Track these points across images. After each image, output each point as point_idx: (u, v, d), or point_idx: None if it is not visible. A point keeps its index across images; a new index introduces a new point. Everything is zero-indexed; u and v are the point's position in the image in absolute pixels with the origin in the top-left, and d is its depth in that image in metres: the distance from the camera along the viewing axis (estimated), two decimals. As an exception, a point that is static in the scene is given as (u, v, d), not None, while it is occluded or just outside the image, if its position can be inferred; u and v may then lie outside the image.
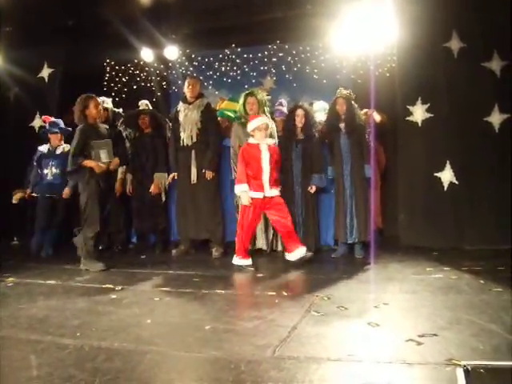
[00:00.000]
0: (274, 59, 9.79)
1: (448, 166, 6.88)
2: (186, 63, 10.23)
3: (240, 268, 5.94)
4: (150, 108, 7.92)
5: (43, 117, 7.98)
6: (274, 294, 4.60)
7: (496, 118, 6.82)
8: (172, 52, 9.59)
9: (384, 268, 5.82)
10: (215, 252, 6.83)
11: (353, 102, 6.74)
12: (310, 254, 6.14)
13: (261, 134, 6.04)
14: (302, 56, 9.58)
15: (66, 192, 7.33)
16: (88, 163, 6.10)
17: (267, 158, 5.97)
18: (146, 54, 9.69)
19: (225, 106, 7.46)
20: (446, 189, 6.90)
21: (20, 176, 8.22)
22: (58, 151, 7.48)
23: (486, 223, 6.69)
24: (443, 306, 4.01)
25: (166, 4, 8.62)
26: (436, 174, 6.93)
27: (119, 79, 10.27)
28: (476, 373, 2.62)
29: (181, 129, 6.93)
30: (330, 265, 6.04)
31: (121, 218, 7.65)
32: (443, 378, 2.61)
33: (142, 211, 7.43)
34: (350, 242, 6.47)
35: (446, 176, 6.88)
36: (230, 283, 5.29)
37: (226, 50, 10.02)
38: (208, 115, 6.95)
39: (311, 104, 7.71)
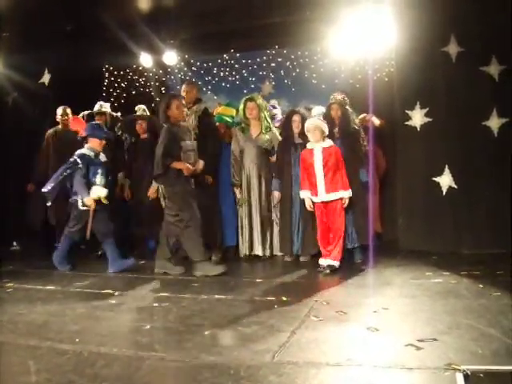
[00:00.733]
0: (273, 64, 9.80)
1: (447, 170, 6.88)
2: (185, 68, 10.24)
3: (318, 269, 5.96)
4: (147, 113, 7.93)
5: (72, 117, 7.92)
6: (273, 299, 4.59)
7: (495, 122, 6.82)
8: (171, 57, 9.61)
9: (383, 272, 5.82)
10: (214, 257, 6.82)
11: (347, 107, 6.75)
12: (328, 271, 6.03)
13: (311, 136, 6.02)
14: (301, 61, 9.59)
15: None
16: (177, 165, 6.00)
17: (320, 161, 5.92)
18: (145, 59, 9.71)
19: (222, 111, 7.46)
20: (444, 193, 6.90)
21: (17, 180, 8.24)
22: (103, 158, 6.67)
23: (485, 227, 6.69)
24: (442, 310, 4.01)
25: (165, 9, 8.64)
26: (435, 179, 6.93)
27: (118, 84, 10.29)
28: (475, 377, 2.62)
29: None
30: (320, 268, 6.02)
31: (120, 223, 7.64)
32: (442, 382, 2.61)
33: (140, 216, 7.42)
34: (349, 247, 6.45)
35: (445, 180, 6.89)
36: (228, 288, 5.27)
37: (225, 55, 10.04)
38: (205, 120, 6.96)
39: (310, 109, 7.71)
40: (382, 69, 8.48)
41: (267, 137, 6.83)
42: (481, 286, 4.81)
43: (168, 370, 2.99)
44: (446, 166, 6.88)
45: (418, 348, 3.09)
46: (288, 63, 9.70)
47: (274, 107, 7.70)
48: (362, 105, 7.27)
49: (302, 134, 6.70)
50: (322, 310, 4.18)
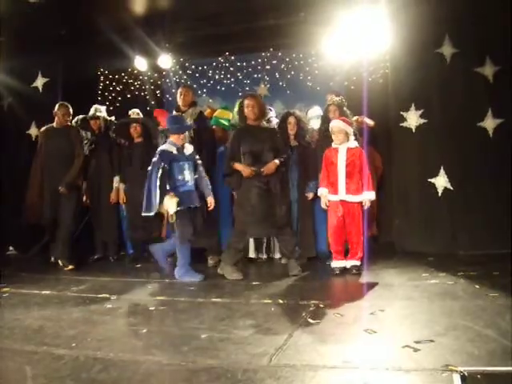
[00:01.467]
0: (268, 67, 9.80)
1: (442, 171, 6.88)
2: (180, 71, 10.23)
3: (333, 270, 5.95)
4: (141, 116, 7.93)
5: (155, 111, 7.87)
6: (270, 301, 4.59)
7: (490, 123, 6.83)
8: (166, 60, 9.61)
9: (379, 274, 5.81)
10: (210, 260, 6.82)
11: (345, 109, 6.76)
12: (354, 271, 5.93)
13: (335, 138, 6.01)
14: (296, 63, 9.59)
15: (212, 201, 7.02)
16: (237, 166, 6.01)
17: (343, 160, 5.91)
18: (140, 63, 9.70)
19: (219, 115, 7.46)
20: (440, 194, 6.91)
21: (13, 183, 8.24)
22: (187, 152, 6.16)
23: (481, 228, 6.70)
24: (439, 311, 4.02)
25: (160, 13, 8.64)
26: (430, 180, 6.93)
27: (113, 88, 10.27)
28: (473, 378, 2.62)
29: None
30: (326, 272, 6.03)
31: (115, 226, 7.64)
32: (440, 384, 2.62)
33: (136, 220, 7.41)
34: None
35: (441, 181, 6.89)
36: (225, 291, 5.27)
37: (220, 58, 10.02)
38: (201, 123, 6.95)
39: (306, 112, 7.72)
40: (377, 70, 8.49)
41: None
42: (477, 286, 4.81)
43: (165, 373, 2.98)
44: (442, 168, 6.89)
45: (415, 350, 3.09)
46: (283, 66, 9.70)
47: (270, 109, 7.70)
48: (357, 107, 7.27)
49: (298, 136, 6.71)
50: (319, 312, 4.18)
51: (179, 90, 7.10)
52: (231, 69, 10.01)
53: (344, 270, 5.93)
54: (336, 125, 6.00)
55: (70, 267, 6.78)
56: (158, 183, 5.87)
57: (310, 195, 6.60)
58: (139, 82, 10.33)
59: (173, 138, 6.07)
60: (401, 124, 7.15)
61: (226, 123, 7.35)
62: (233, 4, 8.33)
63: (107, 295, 5.11)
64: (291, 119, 6.77)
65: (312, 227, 6.81)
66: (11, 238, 8.51)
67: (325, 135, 6.47)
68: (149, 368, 3.01)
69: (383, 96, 7.63)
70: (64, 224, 7.03)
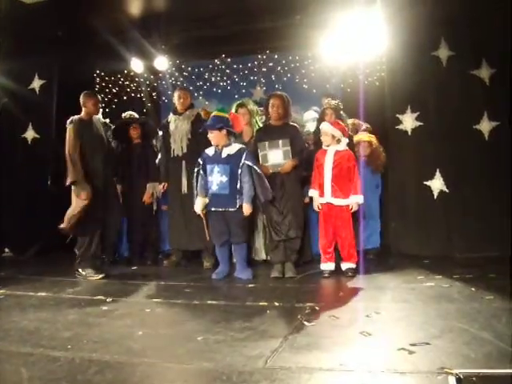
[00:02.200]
0: (264, 69, 9.80)
1: (438, 174, 6.89)
2: (176, 73, 10.23)
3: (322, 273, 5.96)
4: (141, 117, 7.93)
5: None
6: (266, 304, 4.59)
7: (485, 126, 6.83)
8: (162, 62, 9.60)
9: (375, 277, 5.82)
10: (206, 263, 6.80)
11: (341, 112, 6.78)
12: (350, 274, 5.94)
13: (322, 139, 6.05)
14: (292, 66, 9.60)
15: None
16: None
17: (330, 163, 5.93)
18: (136, 65, 9.68)
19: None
20: (436, 197, 6.92)
21: (9, 185, 8.24)
22: (224, 154, 6.06)
23: (477, 231, 6.70)
24: (435, 314, 4.02)
25: (156, 15, 8.64)
26: (426, 183, 6.94)
27: (109, 90, 10.25)
28: (468, 381, 2.63)
29: (171, 139, 6.91)
30: (321, 274, 6.02)
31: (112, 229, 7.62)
32: (435, 386, 2.62)
33: (132, 222, 7.40)
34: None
35: (436, 184, 6.90)
36: (221, 294, 5.27)
37: (216, 60, 10.02)
38: (198, 126, 6.94)
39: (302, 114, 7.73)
40: (373, 73, 8.50)
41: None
42: (473, 289, 4.82)
43: (161, 376, 2.98)
44: (437, 170, 6.89)
45: (411, 352, 3.09)
46: (279, 68, 9.70)
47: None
48: (353, 109, 7.29)
49: None
50: (315, 314, 4.18)
51: (177, 93, 7.09)
52: (227, 71, 10.02)
53: (335, 272, 5.94)
54: (322, 127, 6.06)
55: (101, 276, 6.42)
56: (195, 184, 6.16)
57: (306, 199, 6.59)
58: (135, 84, 10.32)
59: (212, 136, 6.08)
60: (397, 127, 7.16)
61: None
62: (229, 6, 8.33)
63: (103, 297, 5.10)
64: None
65: (308, 230, 6.79)
66: (7, 240, 8.49)
67: (320, 138, 6.48)
68: (144, 370, 3.00)
69: (379, 98, 7.64)
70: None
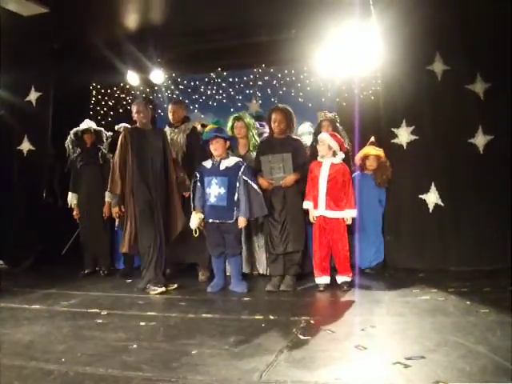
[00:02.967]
0: (260, 83, 9.85)
1: (433, 187, 6.90)
2: (172, 87, 10.27)
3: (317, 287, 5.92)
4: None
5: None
6: (261, 317, 4.58)
7: (480, 140, 6.85)
8: (158, 76, 9.63)
9: (370, 290, 5.81)
10: (201, 276, 6.78)
11: (338, 125, 6.80)
12: (345, 288, 5.89)
13: (320, 149, 6.03)
14: (287, 79, 9.65)
15: (241, 221, 6.34)
16: (259, 179, 6.08)
17: (325, 175, 5.91)
18: (132, 78, 9.71)
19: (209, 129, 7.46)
20: (431, 210, 6.92)
21: (4, 197, 8.23)
22: (222, 166, 6.05)
23: (472, 244, 6.70)
24: (430, 327, 4.02)
25: (152, 28, 8.66)
26: (421, 196, 6.94)
27: (105, 102, 10.28)
28: (463, 395, 2.62)
29: (167, 152, 6.91)
30: (317, 288, 6.01)
31: (106, 241, 7.60)
32: (431, 400, 2.61)
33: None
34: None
35: (431, 198, 6.90)
36: (216, 307, 5.26)
37: (212, 74, 10.07)
38: (193, 138, 6.95)
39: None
40: (368, 87, 8.54)
41: (255, 155, 6.79)
42: (468, 302, 4.82)
43: (155, 390, 2.97)
44: (433, 184, 6.90)
45: (406, 366, 3.09)
46: (275, 82, 9.75)
47: (262, 126, 7.69)
48: (349, 123, 7.30)
49: None
50: (310, 328, 4.18)
51: (169, 107, 7.13)
52: (223, 84, 10.06)
53: (330, 285, 5.93)
54: (320, 136, 6.06)
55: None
56: (191, 196, 6.16)
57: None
58: (131, 97, 10.34)
59: (212, 147, 6.08)
60: (392, 140, 7.17)
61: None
62: (225, 20, 8.35)
63: (97, 310, 5.09)
64: None
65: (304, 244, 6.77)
66: (1, 252, 8.46)
67: (316, 152, 6.49)
68: (139, 384, 2.99)
69: (375, 112, 7.66)
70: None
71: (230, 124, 6.86)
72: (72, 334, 4.26)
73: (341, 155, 6.02)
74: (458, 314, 4.44)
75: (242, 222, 5.94)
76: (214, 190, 5.96)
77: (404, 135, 7.09)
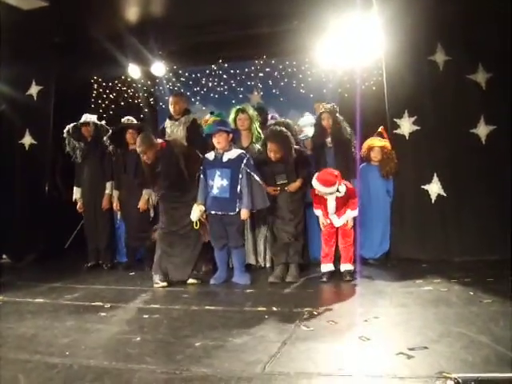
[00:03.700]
0: (261, 74, 9.81)
1: (435, 178, 6.88)
2: (173, 79, 10.25)
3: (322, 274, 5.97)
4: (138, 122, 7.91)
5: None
6: (264, 309, 4.58)
7: (482, 130, 6.83)
8: (159, 68, 9.62)
9: (373, 281, 5.81)
10: (204, 267, 6.79)
11: (338, 115, 6.78)
12: (348, 278, 5.91)
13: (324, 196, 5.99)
14: (289, 71, 9.61)
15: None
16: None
17: (333, 205, 5.89)
18: (133, 71, 9.71)
19: (212, 122, 7.43)
20: (433, 201, 6.91)
21: (6, 192, 8.24)
22: (225, 158, 6.04)
23: (475, 234, 6.69)
24: (433, 318, 4.02)
25: (153, 21, 8.64)
26: (423, 187, 6.93)
27: (107, 96, 10.26)
28: (466, 385, 2.62)
29: (168, 145, 6.90)
30: (320, 278, 6.01)
31: (109, 234, 7.61)
32: (434, 391, 2.62)
33: (129, 227, 7.39)
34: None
35: (434, 188, 6.89)
36: (219, 299, 5.27)
37: (213, 66, 10.04)
38: (194, 131, 6.95)
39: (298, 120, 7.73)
40: (370, 78, 8.51)
41: (258, 146, 6.77)
42: (471, 293, 4.82)
43: (159, 382, 2.97)
44: (435, 174, 6.89)
45: (409, 357, 3.09)
46: (276, 73, 9.72)
47: (274, 118, 7.66)
48: (351, 113, 7.28)
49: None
50: (313, 319, 4.18)
51: (170, 100, 7.13)
52: (224, 76, 10.03)
53: (333, 274, 5.95)
54: (321, 191, 5.83)
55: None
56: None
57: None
58: (132, 90, 10.33)
59: (215, 139, 6.07)
60: (394, 131, 7.16)
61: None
62: (226, 12, 8.33)
63: (101, 303, 5.10)
64: None
65: (305, 235, 6.78)
66: (5, 247, 8.47)
67: (319, 143, 6.49)
68: (143, 376, 3.00)
69: (376, 103, 7.64)
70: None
71: (232, 116, 6.84)
72: (76, 327, 4.27)
73: (343, 188, 5.92)
74: (460, 305, 4.43)
75: (244, 214, 5.93)
76: (217, 182, 5.96)
77: (406, 126, 7.07)
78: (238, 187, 5.94)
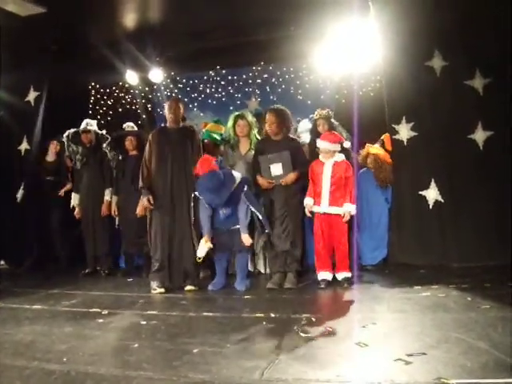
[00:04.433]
0: (259, 80, 9.84)
1: (433, 183, 6.90)
2: (171, 85, 10.26)
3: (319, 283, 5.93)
4: (137, 129, 7.93)
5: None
6: (262, 315, 4.57)
7: (480, 136, 6.85)
8: (157, 74, 9.65)
9: (371, 287, 5.82)
10: (202, 273, 6.79)
11: (333, 121, 6.80)
12: (345, 285, 5.91)
13: (322, 156, 6.05)
14: (287, 77, 9.64)
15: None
16: (258, 179, 6.16)
17: (328, 175, 5.93)
18: (131, 77, 9.73)
19: (211, 129, 7.43)
20: (431, 207, 6.92)
21: (5, 197, 8.24)
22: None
23: (473, 240, 6.70)
24: (431, 324, 4.01)
25: (151, 27, 8.66)
26: (421, 192, 6.94)
27: (104, 102, 10.28)
28: (465, 391, 2.62)
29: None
30: (317, 285, 6.00)
31: (107, 240, 7.61)
32: (432, 397, 2.61)
33: (128, 233, 7.38)
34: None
35: (432, 194, 6.90)
36: (217, 305, 5.26)
37: (211, 72, 10.06)
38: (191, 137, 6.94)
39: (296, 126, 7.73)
40: (368, 84, 8.53)
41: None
42: (469, 298, 4.81)
43: (157, 389, 2.97)
44: (433, 180, 6.90)
45: (407, 363, 3.08)
46: (274, 79, 9.74)
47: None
48: (348, 119, 7.29)
49: None
50: (311, 325, 4.17)
51: (166, 106, 7.10)
52: (222, 83, 10.06)
53: (331, 282, 5.94)
54: (321, 145, 6.03)
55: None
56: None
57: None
58: (130, 96, 10.35)
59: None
60: (392, 137, 7.17)
61: (218, 137, 7.31)
62: (224, 18, 8.37)
63: (98, 310, 5.08)
64: None
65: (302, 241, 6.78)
66: (2, 253, 8.47)
67: (315, 150, 6.48)
68: (140, 383, 2.99)
69: (374, 109, 7.66)
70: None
71: (231, 122, 6.85)
72: (73, 333, 4.26)
73: (341, 156, 6.01)
74: (459, 310, 4.43)
75: (246, 240, 5.93)
76: (222, 210, 5.97)
77: (404, 131, 7.09)
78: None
